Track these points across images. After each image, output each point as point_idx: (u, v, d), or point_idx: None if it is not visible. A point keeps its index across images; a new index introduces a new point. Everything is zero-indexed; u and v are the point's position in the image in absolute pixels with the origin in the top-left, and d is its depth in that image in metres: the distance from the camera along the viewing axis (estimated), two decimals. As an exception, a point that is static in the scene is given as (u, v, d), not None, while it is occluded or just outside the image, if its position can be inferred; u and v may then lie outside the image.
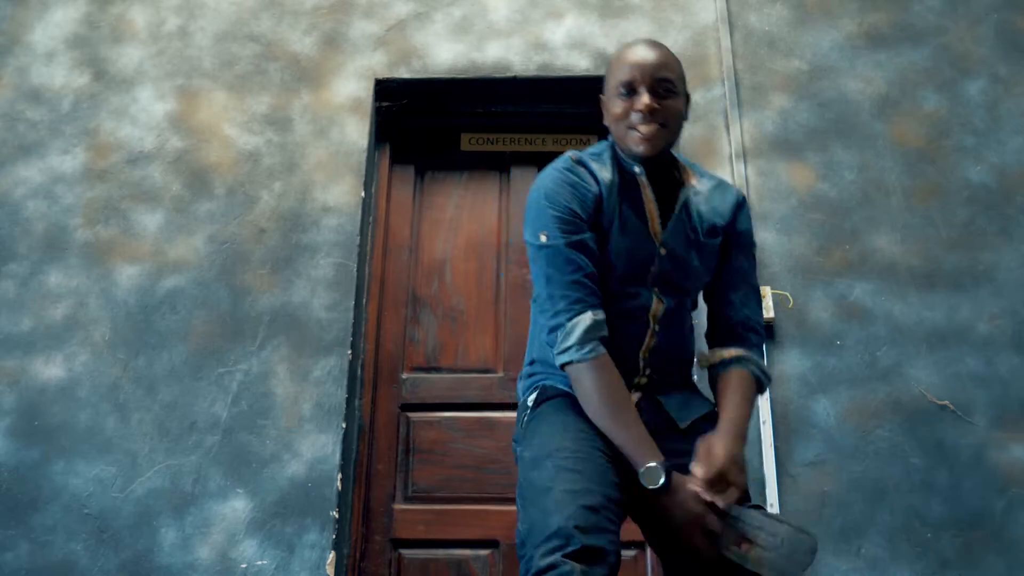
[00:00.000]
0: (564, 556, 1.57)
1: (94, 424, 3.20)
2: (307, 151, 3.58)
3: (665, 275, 1.98)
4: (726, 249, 2.06)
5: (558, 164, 2.00)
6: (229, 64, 3.75)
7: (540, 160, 3.87)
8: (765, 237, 3.38)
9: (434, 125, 3.93)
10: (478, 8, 3.83)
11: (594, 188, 1.97)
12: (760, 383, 2.02)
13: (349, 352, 3.27)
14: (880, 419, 3.13)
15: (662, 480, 1.73)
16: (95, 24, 3.85)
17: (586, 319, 1.86)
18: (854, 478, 3.06)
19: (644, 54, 1.96)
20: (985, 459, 3.07)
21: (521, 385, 2.12)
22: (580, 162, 2.01)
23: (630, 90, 1.95)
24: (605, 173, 1.99)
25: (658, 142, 1.93)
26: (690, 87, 3.58)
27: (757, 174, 3.48)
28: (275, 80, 3.71)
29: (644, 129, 1.92)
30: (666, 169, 2.04)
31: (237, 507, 3.08)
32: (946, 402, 3.14)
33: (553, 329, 1.89)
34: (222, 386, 3.24)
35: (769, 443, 3.09)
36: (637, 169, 1.98)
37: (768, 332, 3.23)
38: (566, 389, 1.95)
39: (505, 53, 3.74)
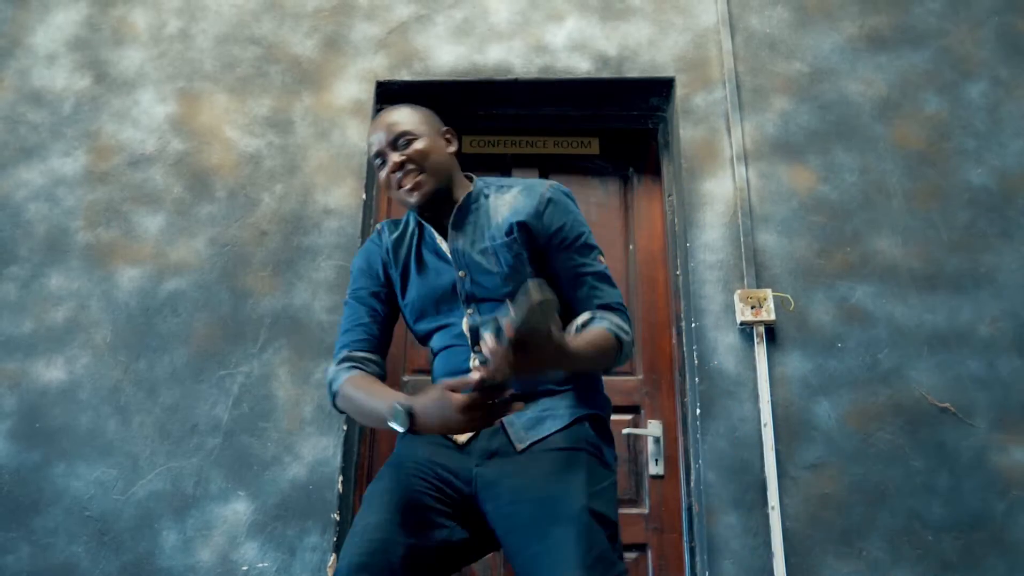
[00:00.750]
0: None
1: (95, 427, 3.20)
2: (308, 153, 3.59)
3: (472, 293, 2.03)
4: (543, 254, 2.05)
5: (371, 237, 2.24)
6: (230, 66, 3.75)
7: (542, 162, 3.88)
8: (766, 239, 3.38)
9: (435, 127, 3.93)
10: (479, 10, 3.83)
11: (380, 252, 2.17)
12: (618, 337, 1.93)
13: (350, 354, 3.27)
14: (881, 421, 3.13)
15: (403, 418, 1.75)
16: (96, 26, 3.85)
17: (341, 355, 2.09)
18: (855, 480, 3.06)
19: (377, 123, 2.11)
20: (986, 461, 3.07)
21: None
22: (378, 230, 2.22)
23: (382, 159, 2.08)
24: (393, 234, 2.17)
25: (424, 187, 2.04)
26: (691, 89, 3.62)
27: (758, 176, 3.48)
28: (276, 82, 3.72)
29: (406, 182, 2.04)
30: (461, 201, 2.13)
31: (238, 509, 3.08)
32: (947, 404, 3.14)
33: (333, 362, 2.11)
34: (223, 388, 3.24)
35: (770, 445, 3.09)
36: (415, 219, 2.16)
37: (769, 334, 3.24)
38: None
39: (506, 55, 3.74)
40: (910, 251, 3.36)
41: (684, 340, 3.43)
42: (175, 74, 3.75)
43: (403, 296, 2.14)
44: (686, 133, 3.58)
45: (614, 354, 1.93)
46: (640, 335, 3.57)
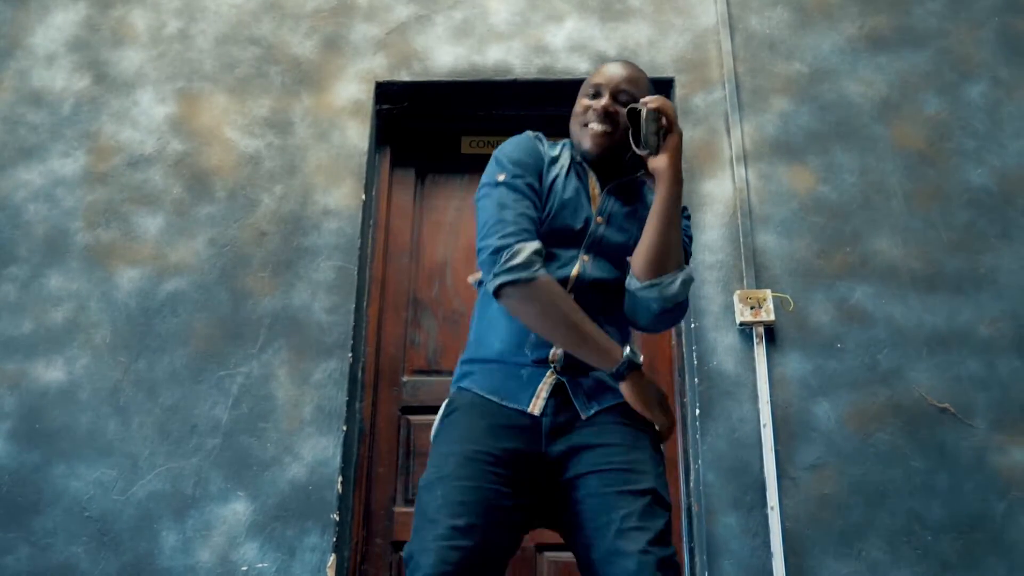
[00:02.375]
0: None
1: (95, 427, 3.20)
2: (308, 154, 3.59)
3: (598, 240, 2.05)
4: None
5: (521, 135, 2.16)
6: (230, 67, 3.75)
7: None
8: (766, 240, 3.38)
9: (435, 128, 3.94)
10: (479, 11, 3.83)
11: (545, 156, 2.11)
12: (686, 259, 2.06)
13: (350, 355, 3.27)
14: (881, 422, 3.13)
15: (640, 357, 1.90)
16: (96, 27, 3.85)
17: (534, 245, 1.93)
18: (855, 481, 3.06)
19: (616, 67, 2.14)
20: (985, 462, 3.07)
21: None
22: (537, 137, 2.16)
23: (595, 93, 2.12)
24: (553, 151, 2.15)
25: (603, 141, 2.07)
26: (690, 90, 3.62)
27: (758, 177, 3.48)
28: (276, 83, 3.72)
29: (595, 127, 2.07)
30: (622, 175, 2.15)
31: (238, 510, 3.08)
32: (947, 405, 3.14)
33: (498, 250, 1.92)
34: (223, 389, 3.24)
35: (770, 446, 3.09)
36: (571, 154, 2.15)
37: (769, 335, 3.24)
38: (479, 394, 1.97)
39: (506, 56, 3.74)
40: (910, 252, 3.36)
41: (683, 341, 3.43)
42: (174, 75, 3.75)
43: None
44: (686, 133, 3.57)
45: (679, 260, 1.97)
46: (639, 335, 3.57)
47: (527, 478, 1.86)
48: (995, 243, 3.36)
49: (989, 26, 3.72)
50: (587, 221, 2.06)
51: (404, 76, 3.72)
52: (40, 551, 3.04)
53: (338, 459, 3.14)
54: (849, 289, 3.31)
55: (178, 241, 3.46)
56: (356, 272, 3.39)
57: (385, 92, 3.74)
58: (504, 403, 1.94)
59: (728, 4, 3.78)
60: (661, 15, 3.80)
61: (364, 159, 3.57)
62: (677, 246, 1.96)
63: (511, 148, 2.09)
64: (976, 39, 3.70)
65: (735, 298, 3.26)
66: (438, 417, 2.02)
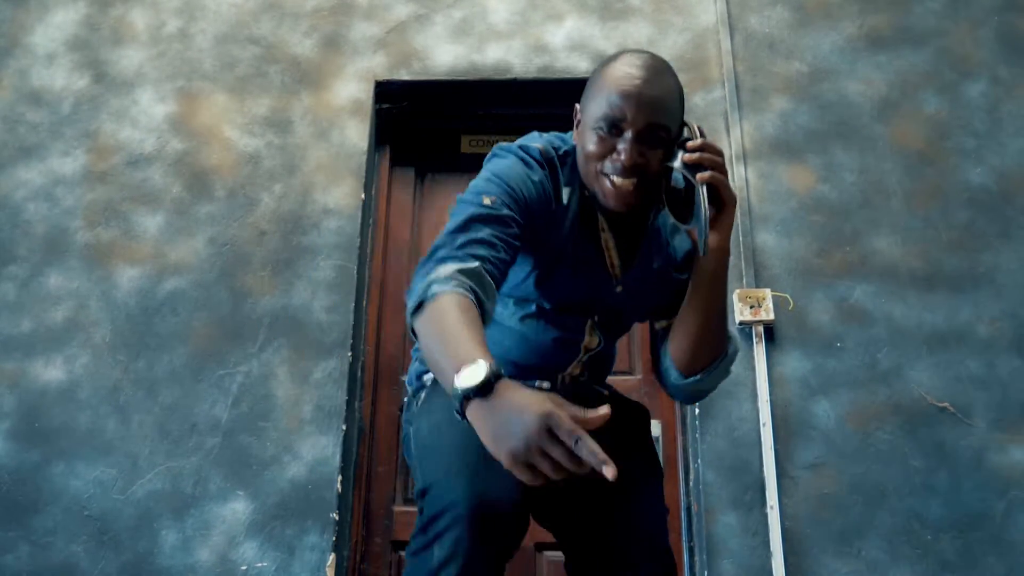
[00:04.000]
0: (463, 522, 1.43)
1: (94, 426, 3.20)
2: (307, 153, 3.59)
3: (612, 313, 1.80)
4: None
5: (531, 150, 1.72)
6: (229, 66, 3.75)
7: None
8: (765, 239, 3.38)
9: (434, 127, 3.94)
10: (478, 10, 3.83)
11: (551, 202, 1.69)
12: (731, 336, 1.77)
13: (349, 354, 3.27)
14: (880, 421, 3.13)
15: (482, 373, 1.26)
16: (95, 26, 3.85)
17: (472, 264, 1.49)
18: (854, 480, 3.06)
19: (642, 87, 1.61)
20: (985, 461, 3.07)
21: (412, 368, 1.90)
22: (550, 164, 1.72)
23: (613, 128, 1.62)
24: (565, 192, 1.71)
25: (631, 199, 1.63)
26: (690, 90, 3.61)
27: (757, 176, 3.48)
28: (275, 82, 3.72)
29: (620, 183, 1.61)
30: (652, 220, 1.79)
31: (237, 509, 3.08)
32: (946, 404, 3.14)
33: (428, 260, 1.54)
34: (222, 388, 3.24)
35: (769, 445, 3.09)
36: (585, 196, 1.73)
37: (768, 334, 3.24)
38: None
39: (505, 55, 3.74)
40: (909, 251, 3.36)
41: (683, 340, 3.42)
42: (174, 74, 3.75)
43: (534, 264, 1.71)
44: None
45: (726, 344, 1.72)
46: (638, 335, 3.56)
47: None
48: (994, 242, 3.36)
49: (988, 25, 3.72)
50: (601, 287, 1.76)
51: (404, 75, 3.72)
52: (40, 550, 3.04)
53: (338, 458, 3.14)
54: (848, 288, 3.31)
55: (178, 240, 3.46)
56: (356, 271, 3.39)
57: (385, 91, 3.74)
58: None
59: (728, 3, 3.78)
60: (661, 14, 3.80)
61: (364, 158, 3.57)
62: (723, 332, 1.70)
63: (515, 177, 1.65)
64: (976, 38, 3.70)
65: (734, 297, 3.26)
66: (420, 389, 1.81)
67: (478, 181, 1.66)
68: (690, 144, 1.59)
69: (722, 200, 1.56)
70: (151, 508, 3.09)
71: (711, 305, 1.65)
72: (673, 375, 1.73)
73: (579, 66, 3.69)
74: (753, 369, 3.20)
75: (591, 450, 1.16)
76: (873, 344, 3.23)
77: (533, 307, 1.76)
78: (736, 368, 3.16)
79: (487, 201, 1.58)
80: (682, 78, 3.62)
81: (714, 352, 1.69)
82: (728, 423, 3.15)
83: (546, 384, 1.77)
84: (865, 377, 3.19)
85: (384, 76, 3.72)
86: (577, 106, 1.78)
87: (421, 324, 1.43)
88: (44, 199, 3.53)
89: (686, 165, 1.57)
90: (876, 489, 3.05)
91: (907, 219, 3.40)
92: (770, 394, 3.15)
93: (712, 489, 3.08)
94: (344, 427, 3.19)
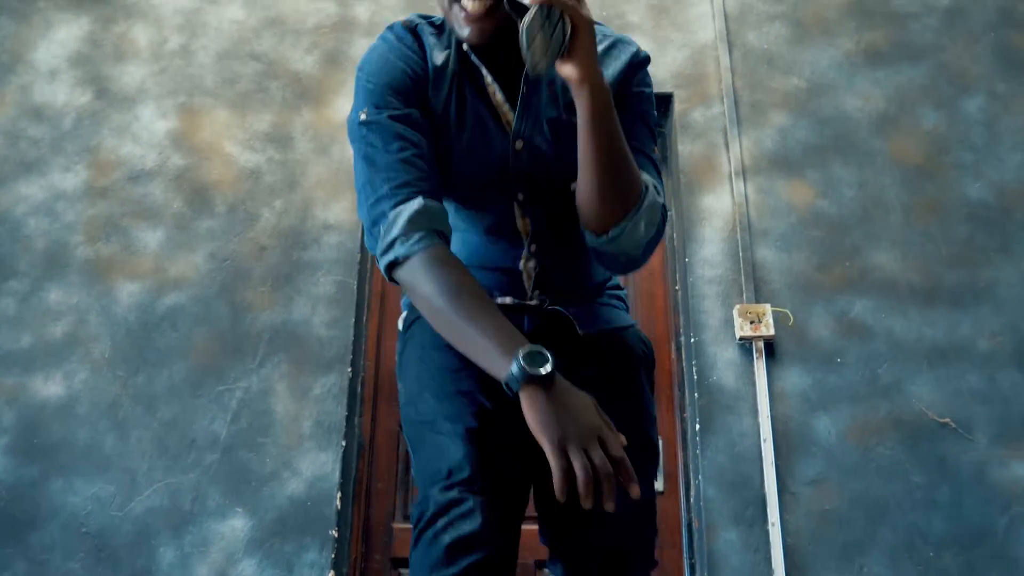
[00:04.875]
0: (465, 491, 1.42)
1: (93, 442, 3.19)
2: (308, 169, 3.59)
3: (526, 174, 1.59)
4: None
5: (388, 32, 1.61)
6: (231, 82, 3.76)
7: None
8: (765, 254, 3.38)
9: (434, 143, 3.94)
10: (478, 27, 3.84)
11: (420, 67, 1.57)
12: (647, 185, 1.53)
13: (349, 370, 3.27)
14: (881, 436, 3.12)
15: (549, 363, 1.32)
16: (98, 42, 3.87)
17: (414, 204, 1.45)
18: (855, 495, 3.05)
19: None
20: (986, 476, 3.07)
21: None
22: (414, 30, 1.61)
23: None
24: (439, 54, 1.59)
25: (485, 25, 1.48)
26: (689, 105, 3.62)
27: (757, 191, 3.49)
28: (276, 98, 3.73)
29: (471, 6, 1.47)
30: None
31: (236, 526, 3.07)
32: (947, 419, 3.14)
33: (375, 222, 1.47)
34: (222, 404, 3.23)
35: (770, 461, 3.08)
36: (456, 48, 1.59)
37: (768, 349, 3.24)
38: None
39: (505, 71, 3.75)
40: (909, 265, 3.36)
41: (683, 355, 3.42)
42: (176, 89, 3.76)
43: (437, 148, 1.58)
44: (684, 148, 3.58)
45: (636, 189, 1.49)
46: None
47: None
48: (994, 256, 3.36)
49: (985, 41, 3.74)
50: (499, 146, 1.58)
51: (404, 91, 3.73)
52: (37, 567, 3.02)
53: (337, 474, 3.13)
54: (848, 303, 3.31)
55: (178, 255, 3.46)
56: (356, 286, 3.39)
57: (385, 107, 3.74)
58: None
59: (726, 19, 3.79)
60: (660, 30, 3.81)
61: (364, 174, 3.57)
62: (628, 177, 1.48)
63: (374, 70, 1.56)
64: (973, 54, 3.72)
65: (735, 312, 3.26)
66: (400, 338, 1.73)
67: (355, 95, 1.58)
68: None
69: (573, 23, 1.36)
70: (149, 524, 3.07)
71: (600, 147, 1.44)
72: (588, 237, 1.53)
73: (579, 82, 3.70)
74: (754, 384, 3.20)
75: (627, 472, 1.26)
76: (873, 359, 3.23)
77: (455, 196, 1.64)
78: (737, 383, 3.18)
79: (363, 116, 1.52)
80: (681, 94, 3.69)
81: (622, 202, 1.48)
82: (729, 438, 3.15)
83: (508, 299, 1.62)
84: (866, 392, 3.18)
85: (384, 92, 3.72)
86: None
87: (421, 277, 1.43)
88: (45, 214, 3.54)
89: None
90: (877, 505, 3.04)
91: (906, 234, 3.41)
92: (771, 409, 3.15)
93: (713, 505, 3.07)
94: (344, 443, 3.18)
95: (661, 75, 3.72)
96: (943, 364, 3.21)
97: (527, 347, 1.32)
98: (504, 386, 1.33)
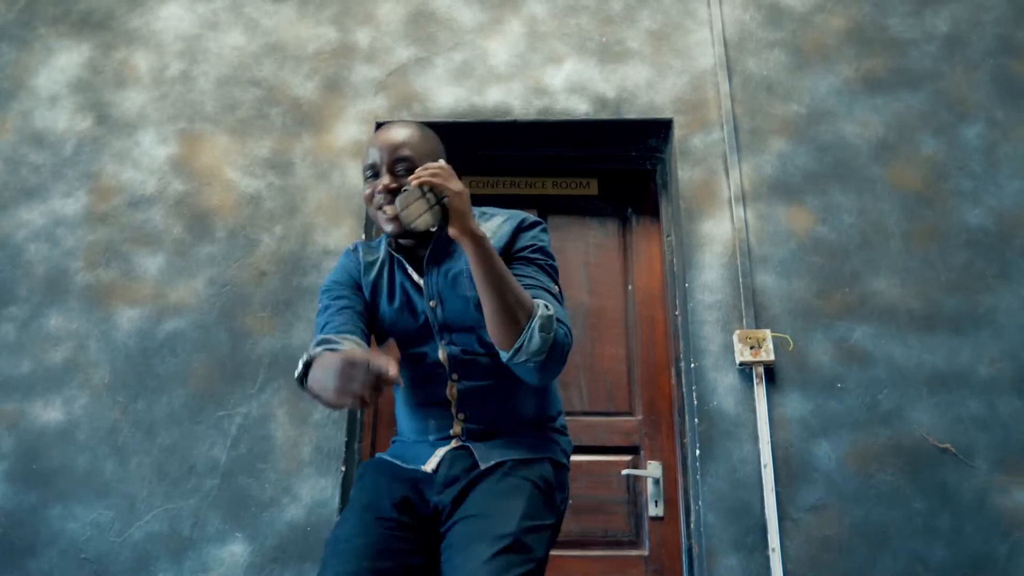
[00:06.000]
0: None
1: (92, 468, 3.18)
2: (308, 194, 3.60)
3: (445, 323, 1.99)
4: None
5: (344, 251, 2.20)
6: (231, 108, 3.78)
7: (541, 203, 3.89)
8: (765, 280, 3.39)
9: (434, 168, 3.95)
10: (479, 53, 3.87)
11: (359, 264, 2.11)
12: (537, 308, 1.84)
13: (349, 395, 3.26)
14: (882, 463, 3.12)
15: (299, 368, 1.75)
16: (98, 69, 3.88)
17: (318, 339, 1.88)
18: (856, 522, 3.04)
19: (383, 136, 2.02)
20: (988, 503, 3.06)
21: None
22: (354, 248, 2.16)
23: (374, 173, 2.01)
24: (369, 256, 2.12)
25: (400, 224, 1.94)
26: (689, 131, 3.63)
27: (756, 217, 3.50)
28: (277, 124, 3.74)
29: (389, 210, 1.95)
30: (438, 233, 2.03)
31: (236, 551, 3.06)
32: (948, 445, 3.13)
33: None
34: (221, 429, 3.23)
35: (770, 487, 3.07)
36: (388, 247, 2.11)
37: (768, 375, 3.24)
38: (386, 458, 2.05)
39: (505, 97, 3.77)
40: (909, 292, 3.36)
41: (683, 380, 3.42)
42: (176, 115, 3.77)
43: (376, 320, 2.09)
44: (684, 174, 3.59)
45: (526, 309, 1.81)
46: (639, 375, 3.57)
47: (422, 529, 1.87)
48: (993, 283, 3.37)
49: (984, 68, 3.76)
50: (417, 305, 2.02)
51: (404, 117, 3.75)
52: (35, 593, 3.01)
53: (337, 500, 3.12)
54: (848, 329, 3.31)
55: (178, 281, 3.46)
56: (356, 312, 3.38)
57: (385, 133, 3.75)
58: (406, 464, 1.99)
59: (726, 46, 3.81)
60: (659, 57, 3.83)
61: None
62: (516, 300, 1.80)
63: (330, 274, 2.14)
64: (971, 81, 3.73)
65: (735, 338, 3.26)
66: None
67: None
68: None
69: (445, 194, 1.79)
70: (148, 551, 3.06)
71: (486, 280, 1.79)
72: (502, 356, 1.85)
73: (579, 108, 3.72)
74: (754, 410, 3.19)
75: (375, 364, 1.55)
76: (874, 385, 3.22)
77: (402, 363, 2.08)
78: (737, 409, 3.18)
79: (320, 305, 2.06)
80: (681, 120, 3.69)
81: (514, 320, 1.80)
82: (729, 464, 3.14)
83: (431, 437, 2.02)
84: (866, 418, 3.18)
85: (385, 118, 3.74)
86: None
87: (311, 384, 1.75)
88: (45, 240, 3.54)
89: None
90: (878, 531, 3.03)
91: (906, 260, 3.41)
92: (771, 435, 3.14)
93: (713, 531, 3.06)
94: (343, 468, 3.17)
95: (660, 101, 3.74)
96: (943, 390, 3.21)
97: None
98: (300, 379, 1.76)
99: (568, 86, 3.78)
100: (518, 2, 3.97)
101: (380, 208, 1.97)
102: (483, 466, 1.90)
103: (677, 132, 3.68)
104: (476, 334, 1.98)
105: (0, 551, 3.07)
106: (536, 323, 1.80)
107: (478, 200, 3.88)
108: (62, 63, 3.90)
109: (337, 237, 3.51)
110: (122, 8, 4.01)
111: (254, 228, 3.55)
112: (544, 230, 2.09)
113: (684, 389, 3.40)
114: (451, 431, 1.99)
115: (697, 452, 3.16)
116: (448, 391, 1.99)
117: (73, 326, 3.40)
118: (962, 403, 3.19)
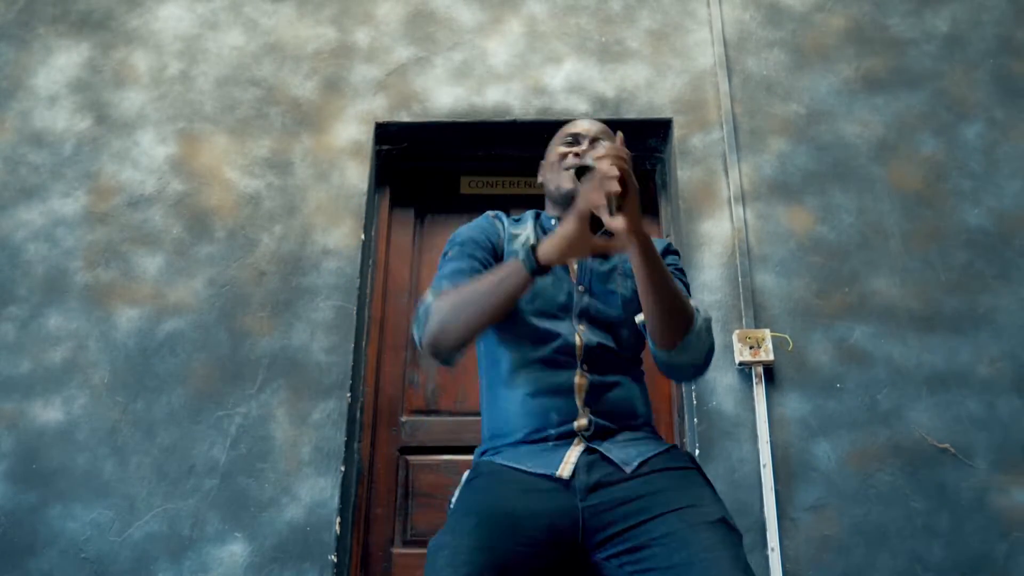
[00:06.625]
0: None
1: (92, 468, 3.18)
2: (307, 194, 3.60)
3: (588, 311, 2.01)
4: None
5: (481, 215, 2.20)
6: (230, 108, 3.78)
7: (540, 203, 3.88)
8: (764, 280, 3.39)
9: (434, 168, 3.96)
10: (478, 53, 3.87)
11: (503, 232, 2.14)
12: (697, 309, 1.91)
13: (348, 395, 3.27)
14: (881, 462, 3.12)
15: (526, 254, 1.76)
16: (98, 69, 3.88)
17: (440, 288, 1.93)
18: (855, 522, 3.04)
19: (591, 122, 2.22)
20: (987, 503, 3.06)
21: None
22: (496, 216, 2.20)
23: (574, 140, 2.18)
24: (515, 228, 2.16)
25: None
26: (689, 131, 3.64)
27: (756, 217, 3.50)
28: (276, 124, 3.74)
29: (572, 161, 2.10)
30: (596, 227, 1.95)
31: (235, 551, 3.06)
32: (947, 445, 3.13)
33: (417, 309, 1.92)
34: (221, 429, 3.23)
35: (770, 487, 3.07)
36: (554, 222, 2.17)
37: (768, 375, 3.24)
38: (501, 464, 1.87)
39: (505, 97, 3.77)
40: (908, 292, 3.36)
41: (683, 380, 3.42)
42: (175, 115, 3.77)
43: None
44: (684, 174, 3.59)
45: (690, 312, 1.86)
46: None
47: (558, 539, 1.71)
48: (993, 283, 3.37)
49: (984, 68, 3.76)
50: (569, 292, 2.02)
51: (404, 117, 3.75)
52: (35, 593, 3.01)
53: (336, 500, 3.12)
54: (848, 329, 3.31)
55: (177, 281, 3.46)
56: (355, 312, 3.39)
57: (385, 133, 3.76)
58: (531, 470, 1.82)
59: (725, 46, 3.81)
60: (659, 57, 3.83)
61: (363, 199, 3.58)
62: (680, 302, 1.84)
63: (464, 229, 2.12)
64: (971, 80, 3.73)
65: (734, 338, 3.26)
66: (459, 486, 1.92)
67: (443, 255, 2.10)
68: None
69: (625, 186, 1.72)
70: (148, 550, 3.06)
71: (652, 284, 1.79)
72: (655, 353, 1.89)
73: (578, 108, 3.72)
74: (753, 410, 3.19)
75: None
76: (873, 385, 3.22)
77: (528, 329, 1.99)
78: (736, 409, 3.18)
79: (449, 254, 2.04)
80: (680, 120, 3.70)
81: (679, 325, 1.84)
82: (728, 464, 3.14)
83: (553, 431, 1.91)
84: (865, 418, 3.18)
85: (384, 118, 3.74)
86: (542, 163, 2.32)
87: (442, 316, 1.84)
88: (44, 240, 3.54)
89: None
90: (877, 531, 3.03)
91: (905, 260, 3.41)
92: (770, 435, 3.14)
93: (713, 531, 3.06)
94: (343, 468, 3.17)
95: (660, 101, 3.74)
96: (943, 390, 3.21)
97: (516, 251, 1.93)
98: (531, 274, 1.75)
99: (568, 86, 3.78)
100: (517, 2, 3.97)
101: (568, 169, 2.11)
102: (628, 469, 1.81)
103: (676, 132, 3.68)
104: (616, 331, 2.01)
105: (0, 551, 3.07)
106: (701, 323, 1.88)
107: (478, 200, 3.89)
108: (61, 63, 3.90)
109: (336, 237, 3.51)
110: (121, 8, 4.01)
111: (253, 228, 3.55)
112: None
113: (683, 389, 3.41)
114: (575, 424, 1.89)
115: (696, 452, 3.16)
116: (576, 380, 1.93)
117: (73, 326, 3.40)
118: (961, 403, 3.20)
